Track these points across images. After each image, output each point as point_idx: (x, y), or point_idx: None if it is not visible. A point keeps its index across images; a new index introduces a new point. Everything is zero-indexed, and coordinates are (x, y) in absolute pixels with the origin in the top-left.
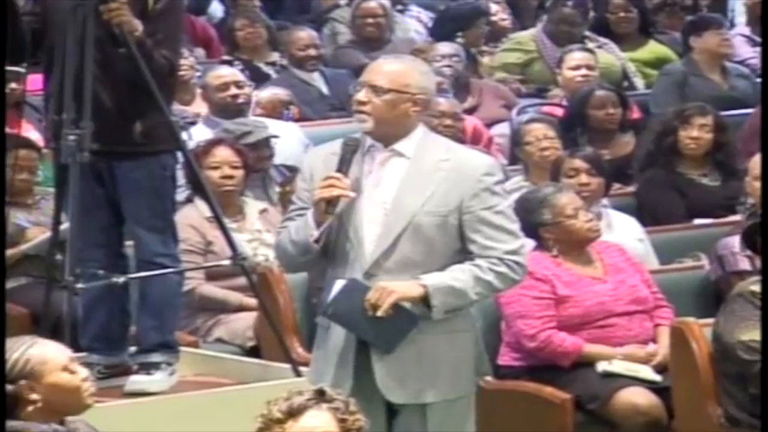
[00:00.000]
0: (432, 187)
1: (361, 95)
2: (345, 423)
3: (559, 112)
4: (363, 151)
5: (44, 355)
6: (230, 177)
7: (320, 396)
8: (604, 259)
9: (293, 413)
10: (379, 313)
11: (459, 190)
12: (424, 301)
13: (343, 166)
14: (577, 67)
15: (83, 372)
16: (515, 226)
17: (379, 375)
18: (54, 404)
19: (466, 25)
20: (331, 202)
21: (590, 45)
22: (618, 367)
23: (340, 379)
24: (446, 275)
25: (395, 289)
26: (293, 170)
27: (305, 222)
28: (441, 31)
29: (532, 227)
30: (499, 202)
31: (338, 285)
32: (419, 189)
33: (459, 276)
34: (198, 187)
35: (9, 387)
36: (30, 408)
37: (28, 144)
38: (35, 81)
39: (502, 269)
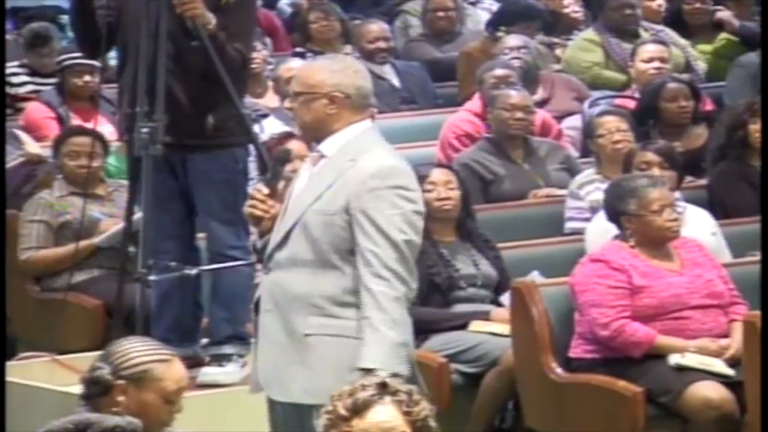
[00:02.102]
0: (324, 186)
1: (287, 102)
2: (410, 415)
3: (631, 104)
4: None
5: (163, 375)
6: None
7: (383, 389)
8: (682, 254)
9: (358, 410)
10: None
11: (347, 191)
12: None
13: (273, 178)
14: (650, 60)
15: (180, 408)
16: (401, 237)
17: (261, 369)
18: (132, 415)
19: (513, 22)
20: (258, 219)
21: (645, 34)
22: (691, 360)
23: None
24: (368, 353)
25: None
26: None
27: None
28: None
29: (615, 214)
30: (384, 208)
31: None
32: (315, 187)
33: (368, 338)
34: None
35: (105, 376)
36: (111, 408)
37: (79, 132)
38: None
39: (379, 297)
